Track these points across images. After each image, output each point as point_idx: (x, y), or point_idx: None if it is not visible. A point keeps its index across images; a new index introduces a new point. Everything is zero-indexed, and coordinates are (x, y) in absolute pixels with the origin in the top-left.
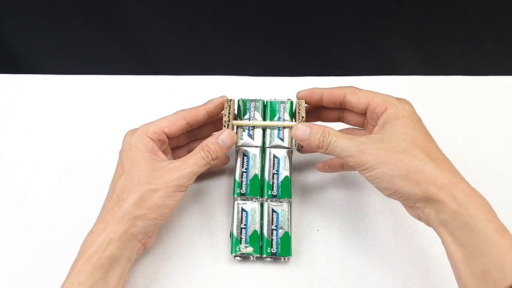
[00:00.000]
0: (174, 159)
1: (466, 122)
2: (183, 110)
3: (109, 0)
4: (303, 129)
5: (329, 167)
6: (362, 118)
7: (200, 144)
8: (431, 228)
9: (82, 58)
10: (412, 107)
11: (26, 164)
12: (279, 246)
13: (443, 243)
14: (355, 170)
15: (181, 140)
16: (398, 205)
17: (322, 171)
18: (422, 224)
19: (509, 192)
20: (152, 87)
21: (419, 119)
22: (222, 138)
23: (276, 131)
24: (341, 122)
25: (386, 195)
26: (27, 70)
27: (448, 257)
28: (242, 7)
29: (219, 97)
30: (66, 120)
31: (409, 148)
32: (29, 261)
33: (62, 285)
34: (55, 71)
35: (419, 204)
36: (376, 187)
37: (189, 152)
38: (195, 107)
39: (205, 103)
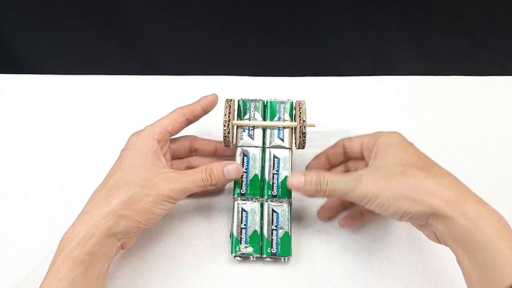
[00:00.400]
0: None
1: (466, 122)
2: (181, 107)
3: (110, 0)
4: (297, 177)
5: (351, 221)
6: (364, 164)
7: (205, 166)
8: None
9: (83, 59)
10: (402, 135)
11: (26, 164)
12: (279, 246)
13: (458, 262)
14: (375, 215)
15: (181, 152)
16: None
17: (346, 228)
18: None
19: (509, 192)
20: (152, 87)
21: (410, 144)
22: (229, 168)
23: (276, 131)
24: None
25: (398, 220)
26: (27, 70)
27: (464, 277)
28: (242, 7)
29: (211, 94)
30: (66, 120)
31: (406, 169)
32: (29, 261)
33: (42, 282)
34: (56, 71)
35: (431, 221)
36: (385, 215)
37: (187, 167)
38: (191, 104)
39: (199, 100)
